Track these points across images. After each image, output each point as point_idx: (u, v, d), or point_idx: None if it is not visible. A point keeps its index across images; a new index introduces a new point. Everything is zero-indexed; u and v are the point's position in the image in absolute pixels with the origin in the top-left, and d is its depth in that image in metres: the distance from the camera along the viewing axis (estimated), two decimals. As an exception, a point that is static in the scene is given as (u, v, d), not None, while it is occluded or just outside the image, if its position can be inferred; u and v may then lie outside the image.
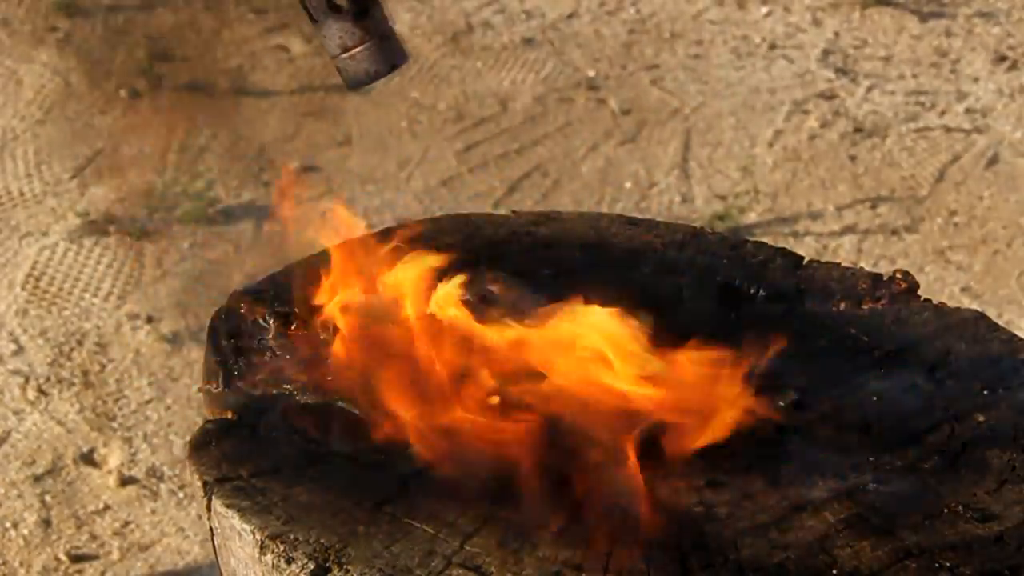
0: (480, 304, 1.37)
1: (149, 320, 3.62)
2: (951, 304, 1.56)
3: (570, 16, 5.00)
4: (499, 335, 1.30)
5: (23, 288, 3.73)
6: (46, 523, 3.08)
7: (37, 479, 3.19)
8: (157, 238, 3.93)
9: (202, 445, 1.33)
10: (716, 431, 1.25)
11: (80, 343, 3.55)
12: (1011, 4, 5.05)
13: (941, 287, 3.77)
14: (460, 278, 1.39)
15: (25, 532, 3.06)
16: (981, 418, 1.37)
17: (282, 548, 1.20)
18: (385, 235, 1.65)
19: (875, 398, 1.40)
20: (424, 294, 1.39)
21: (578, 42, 4.85)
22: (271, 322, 1.45)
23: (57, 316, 3.64)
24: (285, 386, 1.37)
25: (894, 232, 3.99)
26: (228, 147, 4.32)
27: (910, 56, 4.77)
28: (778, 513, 1.24)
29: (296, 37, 4.86)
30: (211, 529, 1.30)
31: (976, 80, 4.64)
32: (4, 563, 2.99)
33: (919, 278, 1.60)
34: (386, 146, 4.35)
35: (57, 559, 3.00)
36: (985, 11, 5.02)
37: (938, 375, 1.43)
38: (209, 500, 1.27)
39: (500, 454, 1.19)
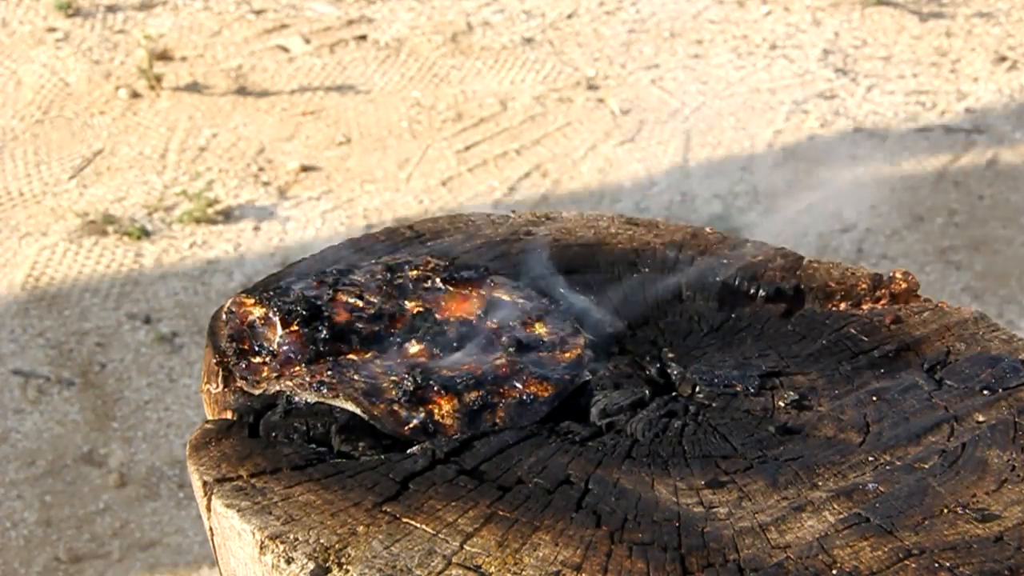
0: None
1: (148, 320, 3.62)
2: (951, 304, 1.56)
3: (570, 16, 5.00)
4: None
5: (23, 288, 3.73)
6: (46, 523, 3.08)
7: (37, 479, 3.19)
8: (156, 238, 3.93)
9: (202, 445, 1.33)
10: None
11: (80, 343, 3.56)
12: (1011, 4, 5.05)
13: (941, 287, 3.77)
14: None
15: (25, 532, 3.06)
16: (981, 418, 1.37)
17: (282, 548, 1.20)
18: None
19: (875, 398, 1.40)
20: None
21: (578, 42, 4.85)
22: (271, 322, 1.45)
23: (57, 316, 3.64)
24: (285, 385, 1.37)
25: (894, 232, 3.99)
26: (228, 147, 4.32)
27: (910, 56, 4.77)
28: (778, 513, 1.24)
29: (296, 37, 4.86)
30: (210, 529, 1.30)
31: (976, 80, 4.65)
32: (4, 563, 2.99)
33: (919, 278, 1.60)
34: (386, 146, 4.35)
35: (57, 559, 3.00)
36: (985, 11, 5.02)
37: (938, 375, 1.43)
38: (209, 500, 1.27)
39: None
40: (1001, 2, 5.07)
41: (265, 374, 1.40)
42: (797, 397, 1.39)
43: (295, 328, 1.43)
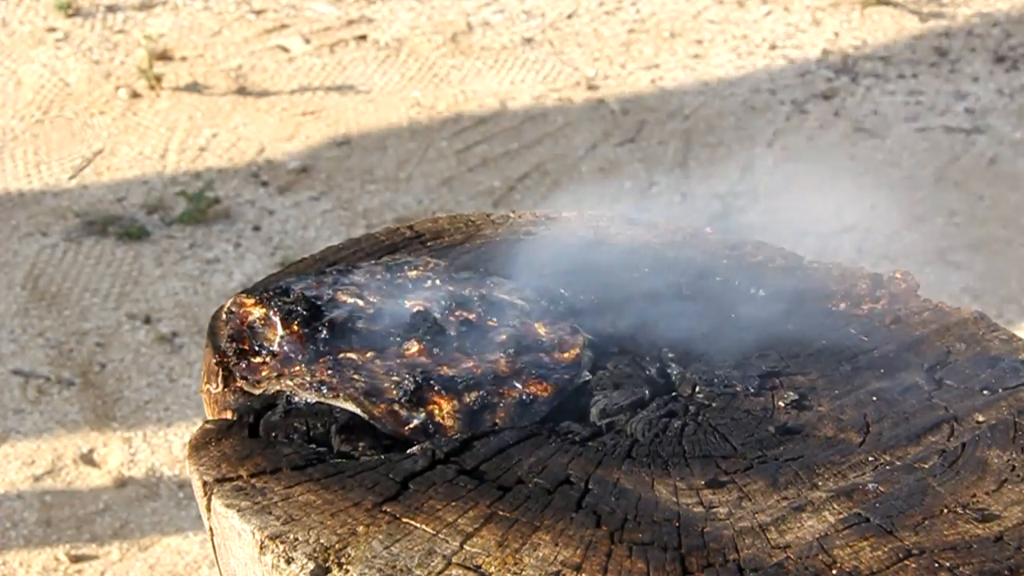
0: None
1: (148, 320, 3.62)
2: (951, 304, 1.56)
3: (570, 16, 5.00)
4: None
5: (23, 288, 3.73)
6: (46, 523, 3.08)
7: (37, 479, 3.19)
8: (156, 238, 3.93)
9: (202, 445, 1.33)
10: None
11: (80, 343, 3.55)
12: (1011, 4, 5.05)
13: (941, 287, 3.77)
14: None
15: (25, 532, 3.06)
16: (981, 418, 1.37)
17: (282, 548, 1.20)
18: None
19: (875, 398, 1.40)
20: None
21: (578, 42, 4.85)
22: (271, 322, 1.45)
23: (57, 316, 3.64)
24: (285, 385, 1.37)
25: (894, 232, 3.99)
26: (228, 147, 4.32)
27: (910, 56, 4.77)
28: (778, 513, 1.24)
29: (296, 37, 4.86)
30: (210, 529, 1.30)
31: (976, 80, 4.64)
32: (4, 563, 2.99)
33: (919, 278, 1.60)
34: (386, 146, 4.35)
35: (57, 559, 3.00)
36: (985, 11, 5.01)
37: (938, 375, 1.43)
38: (208, 500, 1.27)
39: None
40: (1001, 2, 5.07)
41: (265, 374, 1.40)
42: (797, 397, 1.40)
43: (295, 328, 1.43)
